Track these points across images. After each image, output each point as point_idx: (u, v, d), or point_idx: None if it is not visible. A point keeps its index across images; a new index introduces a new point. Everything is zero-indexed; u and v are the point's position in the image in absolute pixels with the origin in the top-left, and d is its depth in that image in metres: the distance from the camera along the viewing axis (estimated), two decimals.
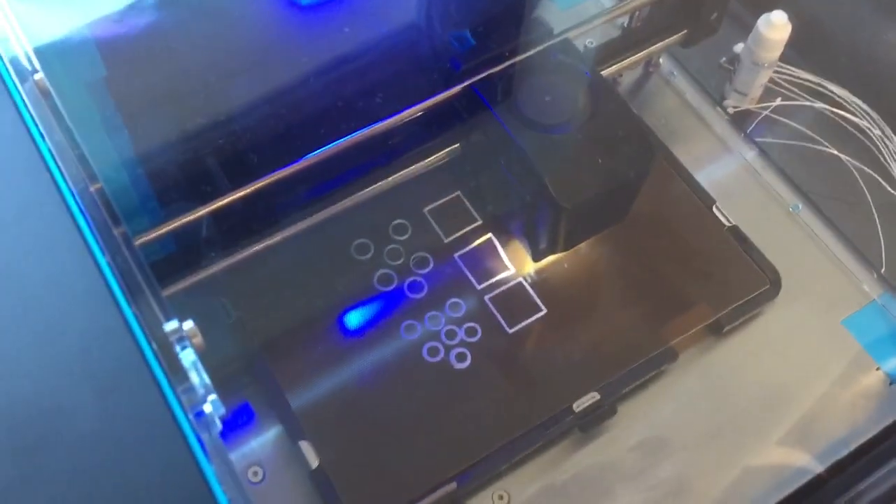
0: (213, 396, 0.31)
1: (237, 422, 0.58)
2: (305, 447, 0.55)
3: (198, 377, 0.31)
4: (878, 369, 0.61)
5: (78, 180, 0.33)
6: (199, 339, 0.33)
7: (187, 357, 0.32)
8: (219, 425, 0.32)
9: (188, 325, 0.33)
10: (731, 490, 0.57)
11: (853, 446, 0.58)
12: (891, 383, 0.60)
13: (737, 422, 0.59)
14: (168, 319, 0.33)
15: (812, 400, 0.60)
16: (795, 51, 0.74)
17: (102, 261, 0.32)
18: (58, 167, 0.33)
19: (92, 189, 0.34)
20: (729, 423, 0.59)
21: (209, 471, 0.29)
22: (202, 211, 0.52)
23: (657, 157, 0.62)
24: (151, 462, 0.28)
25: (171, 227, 0.50)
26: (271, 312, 0.60)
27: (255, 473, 0.56)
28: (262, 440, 0.57)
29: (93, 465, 0.28)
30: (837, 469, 0.57)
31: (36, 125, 0.35)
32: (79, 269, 0.31)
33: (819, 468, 0.58)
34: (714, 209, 0.65)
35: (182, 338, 0.32)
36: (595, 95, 0.59)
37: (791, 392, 0.60)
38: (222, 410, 0.32)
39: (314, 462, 0.55)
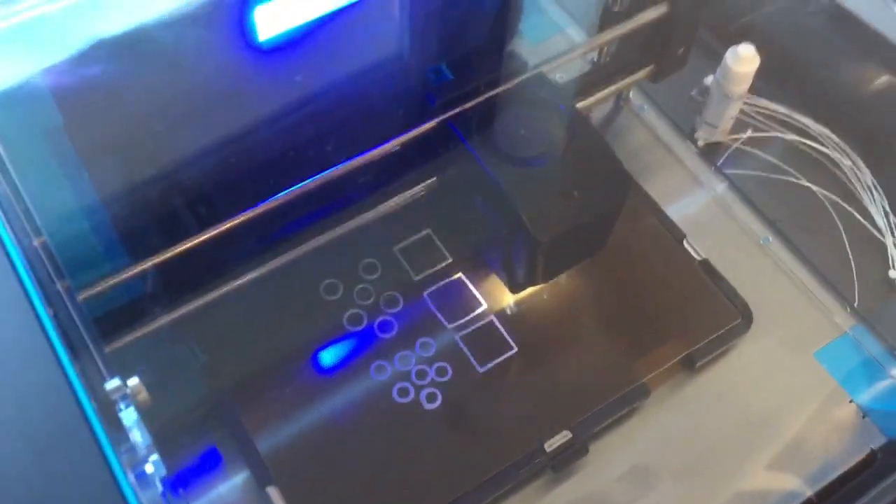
0: (154, 456, 0.31)
1: (204, 466, 0.57)
2: (273, 493, 0.54)
3: (140, 436, 0.31)
4: (850, 402, 0.61)
5: (22, 234, 0.33)
6: (143, 396, 0.32)
7: (129, 416, 0.31)
8: (159, 487, 0.31)
9: (133, 381, 0.33)
10: None
11: (828, 479, 0.58)
12: (864, 416, 0.60)
13: (711, 457, 0.59)
14: (111, 377, 0.32)
15: (786, 434, 0.60)
16: (766, 82, 0.75)
17: (44, 315, 0.31)
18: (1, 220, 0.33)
19: (36, 243, 0.33)
20: (703, 458, 0.59)
21: None
22: (166, 255, 0.51)
23: (631, 190, 0.62)
24: None
25: (130, 274, 0.49)
26: (240, 355, 0.59)
27: None
28: (230, 485, 0.56)
29: None
30: (813, 501, 0.57)
31: None
32: (20, 323, 0.31)
33: (794, 502, 0.57)
34: (684, 243, 0.65)
35: (125, 396, 0.32)
36: (570, 129, 0.59)
37: (765, 426, 0.60)
38: (164, 471, 0.31)
39: None
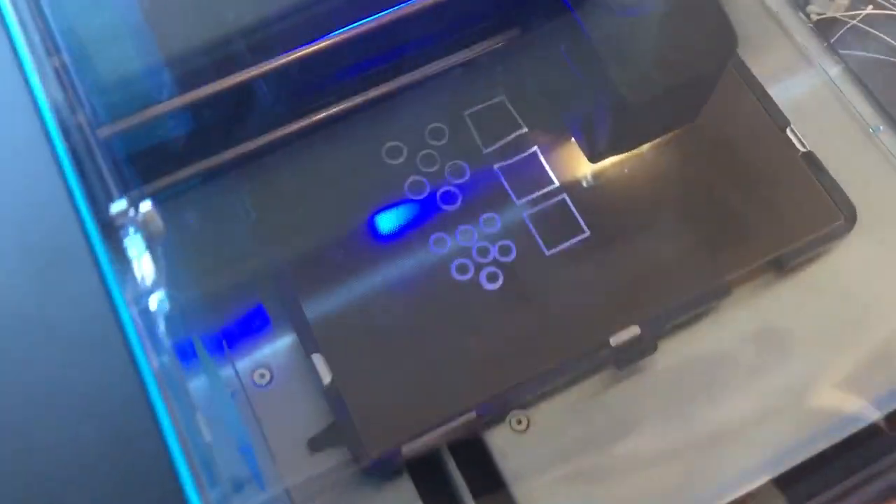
0: (160, 293, 0.27)
1: (251, 325, 0.55)
2: (319, 361, 0.52)
3: (146, 267, 0.27)
4: None
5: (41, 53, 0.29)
6: (157, 225, 0.29)
7: (136, 243, 0.28)
8: (162, 325, 0.28)
9: (145, 206, 0.29)
10: (776, 436, 0.53)
11: None
12: None
13: (790, 366, 0.54)
14: (119, 197, 0.28)
15: (876, 346, 0.55)
16: None
17: (52, 127, 0.28)
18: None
19: (55, 63, 0.29)
20: (781, 366, 0.54)
21: (145, 366, 0.25)
22: (213, 90, 0.47)
23: (733, 66, 0.54)
24: (84, 352, 0.25)
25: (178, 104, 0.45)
26: (293, 214, 0.56)
27: (262, 376, 0.53)
28: (273, 344, 0.54)
29: (20, 348, 0.25)
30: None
31: None
32: (26, 132, 0.27)
33: (877, 416, 0.53)
34: (788, 131, 0.58)
35: (133, 220, 0.28)
36: None
37: (854, 336, 0.55)
38: (167, 307, 0.28)
39: (327, 377, 0.51)
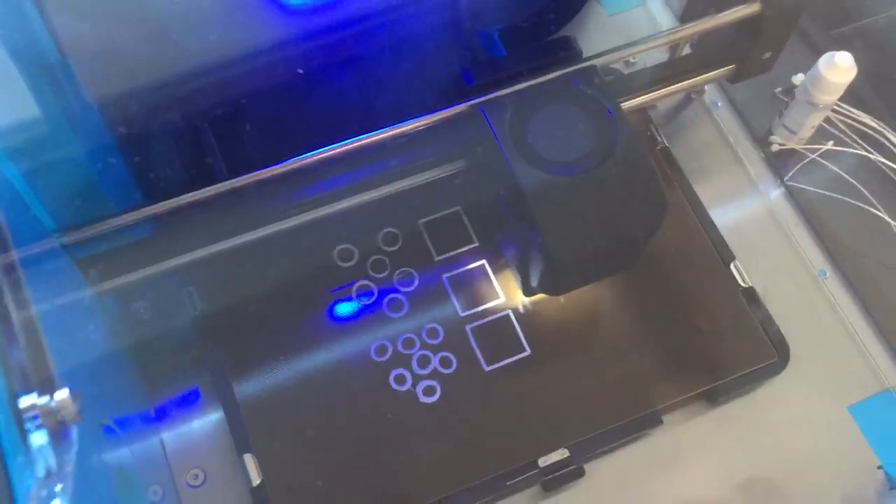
0: (59, 487, 0.27)
1: (186, 400, 0.56)
2: (249, 462, 0.52)
3: (48, 465, 0.27)
4: (879, 468, 0.56)
5: None
6: (71, 411, 0.29)
7: (39, 439, 0.27)
8: None
9: (61, 395, 0.29)
10: None
11: None
12: (891, 487, 0.55)
13: (714, 499, 0.55)
14: (28, 391, 0.28)
15: (801, 493, 0.55)
16: (865, 93, 0.67)
17: None
18: None
19: None
20: (705, 498, 0.55)
21: None
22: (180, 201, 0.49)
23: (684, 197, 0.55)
24: None
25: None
26: (239, 312, 0.56)
27: (196, 476, 0.54)
28: (207, 444, 0.54)
29: None
30: None
31: None
32: None
33: None
34: (732, 266, 0.60)
35: (39, 414, 0.28)
36: (611, 137, 0.52)
37: (780, 479, 0.56)
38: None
39: (256, 479, 0.52)
